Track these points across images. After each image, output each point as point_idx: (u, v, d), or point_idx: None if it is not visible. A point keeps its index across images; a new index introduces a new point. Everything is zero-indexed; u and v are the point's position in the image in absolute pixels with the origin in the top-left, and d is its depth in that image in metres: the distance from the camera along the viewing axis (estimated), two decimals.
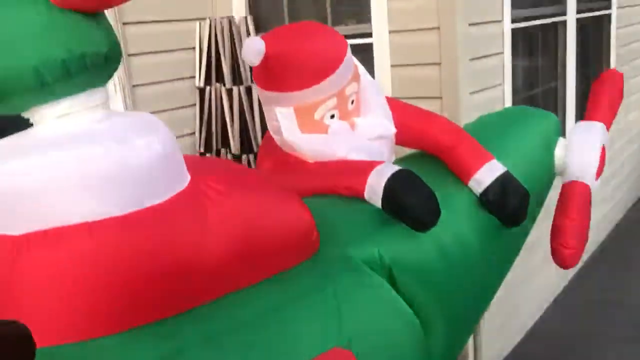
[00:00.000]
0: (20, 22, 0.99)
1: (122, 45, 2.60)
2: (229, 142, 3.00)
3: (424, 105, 2.02)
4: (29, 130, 1.09)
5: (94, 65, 1.04)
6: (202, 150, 3.03)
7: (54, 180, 0.97)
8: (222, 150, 3.03)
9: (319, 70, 1.62)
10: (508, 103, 2.85)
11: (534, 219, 2.01)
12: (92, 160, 0.98)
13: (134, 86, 2.74)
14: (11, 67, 0.99)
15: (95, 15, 1.06)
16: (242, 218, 1.17)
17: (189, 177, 1.16)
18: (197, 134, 3.03)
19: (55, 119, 1.06)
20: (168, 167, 1.08)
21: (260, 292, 1.22)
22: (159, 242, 1.04)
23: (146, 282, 1.04)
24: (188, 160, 1.21)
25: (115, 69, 1.12)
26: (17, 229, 0.98)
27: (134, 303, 1.03)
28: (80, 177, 0.97)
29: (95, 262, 0.97)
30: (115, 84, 2.64)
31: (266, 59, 1.58)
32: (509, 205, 1.72)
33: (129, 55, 2.69)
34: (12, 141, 1.07)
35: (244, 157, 2.99)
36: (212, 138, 3.02)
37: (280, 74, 1.63)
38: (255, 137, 2.94)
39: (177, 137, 2.89)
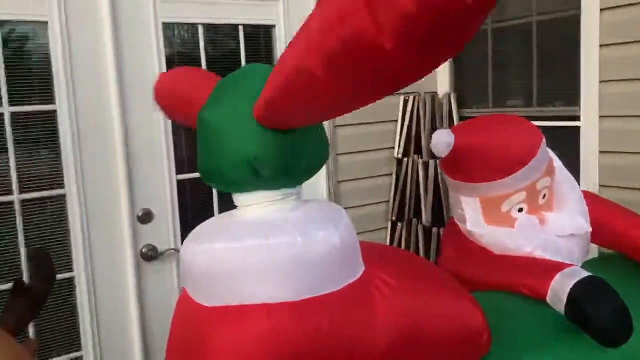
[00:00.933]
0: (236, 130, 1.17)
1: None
2: (421, 213, 3.05)
3: (633, 196, 1.85)
4: (234, 213, 1.27)
5: (288, 172, 1.18)
6: (394, 218, 3.12)
7: (244, 264, 1.12)
8: (414, 221, 3.09)
9: (507, 164, 1.61)
10: None
11: None
12: (278, 250, 1.11)
13: (337, 154, 2.95)
14: (227, 162, 1.17)
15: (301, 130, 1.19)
16: (409, 314, 1.21)
17: (363, 268, 1.23)
18: (391, 202, 3.13)
19: (253, 206, 1.22)
20: (343, 259, 1.17)
21: None
22: (328, 330, 1.12)
23: None
24: (364, 248, 1.28)
25: (312, 174, 1.25)
26: (210, 301, 1.14)
27: None
28: (265, 263, 1.11)
29: (270, 341, 1.08)
30: None
31: (454, 150, 1.61)
32: None
33: (336, 126, 2.91)
34: (219, 222, 1.25)
35: (434, 229, 3.01)
36: (405, 208, 3.09)
37: (467, 165, 1.65)
38: (447, 211, 2.94)
39: (372, 204, 3.03)
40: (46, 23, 2.28)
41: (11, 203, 2.28)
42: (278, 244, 1.12)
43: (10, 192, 2.27)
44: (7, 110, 2.24)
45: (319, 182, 2.90)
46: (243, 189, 1.22)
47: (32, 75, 2.30)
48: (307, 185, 1.33)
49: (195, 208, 2.69)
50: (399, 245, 3.11)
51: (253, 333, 1.08)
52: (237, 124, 1.16)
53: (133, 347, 2.51)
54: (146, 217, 2.53)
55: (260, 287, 1.10)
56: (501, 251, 1.66)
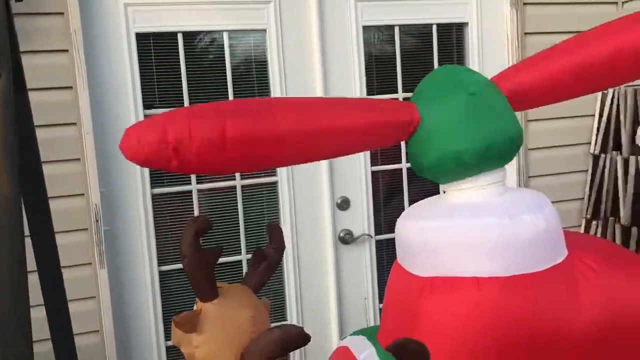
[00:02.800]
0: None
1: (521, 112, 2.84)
2: (618, 211, 2.92)
3: None
4: (442, 196, 1.41)
5: (490, 155, 1.28)
6: (588, 216, 3.02)
7: (454, 240, 1.25)
8: (610, 219, 2.97)
9: None
10: None
11: None
12: (487, 229, 1.23)
13: (529, 149, 2.94)
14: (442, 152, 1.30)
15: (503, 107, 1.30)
16: (614, 299, 1.25)
17: (566, 252, 1.30)
18: (585, 199, 3.04)
19: (459, 191, 1.35)
20: (548, 241, 1.25)
21: None
22: (533, 305, 1.21)
23: (516, 339, 1.22)
24: (566, 235, 1.35)
25: (511, 157, 1.34)
26: (423, 272, 1.30)
27: (503, 355, 1.22)
28: (475, 240, 1.23)
29: (479, 312, 1.20)
30: None
31: None
32: None
33: (528, 120, 2.91)
34: (429, 204, 1.40)
35: (633, 229, 2.87)
36: (601, 206, 2.98)
37: None
38: None
39: (564, 201, 2.98)
40: (265, 31, 2.62)
41: (233, 187, 2.66)
42: (487, 224, 1.23)
43: (233, 178, 2.65)
44: None
45: (508, 177, 2.92)
46: (453, 179, 1.35)
47: (251, 78, 2.66)
48: None
49: (386, 197, 2.87)
50: None
51: (464, 301, 1.21)
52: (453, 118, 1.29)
53: (329, 315, 2.78)
54: (344, 204, 2.77)
55: (470, 261, 1.23)
56: None
